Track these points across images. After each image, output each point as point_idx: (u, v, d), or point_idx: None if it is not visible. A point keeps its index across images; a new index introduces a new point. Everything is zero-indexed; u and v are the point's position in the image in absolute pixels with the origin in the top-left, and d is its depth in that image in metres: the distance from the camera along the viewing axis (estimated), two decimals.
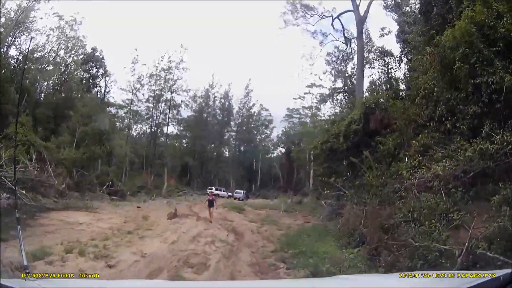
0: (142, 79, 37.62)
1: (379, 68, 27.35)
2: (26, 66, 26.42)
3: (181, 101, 40.99)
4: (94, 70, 32.60)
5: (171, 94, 39.10)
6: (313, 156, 20.80)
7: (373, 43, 28.76)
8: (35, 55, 28.23)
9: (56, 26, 29.88)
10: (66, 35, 30.63)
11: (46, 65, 29.51)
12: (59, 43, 30.37)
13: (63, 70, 30.92)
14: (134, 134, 41.44)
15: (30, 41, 29.84)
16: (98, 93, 33.23)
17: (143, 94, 38.31)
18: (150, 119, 39.59)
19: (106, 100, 34.24)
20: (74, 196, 20.45)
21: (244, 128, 48.65)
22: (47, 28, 29.19)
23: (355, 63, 30.05)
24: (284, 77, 71.71)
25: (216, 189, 38.37)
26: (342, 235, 9.89)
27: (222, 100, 48.25)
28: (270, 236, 12.26)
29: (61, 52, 30.55)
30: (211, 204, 17.15)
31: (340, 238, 9.91)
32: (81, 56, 31.04)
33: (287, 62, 78.98)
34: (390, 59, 26.90)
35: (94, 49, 32.68)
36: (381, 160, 12.37)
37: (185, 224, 14.65)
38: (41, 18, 28.19)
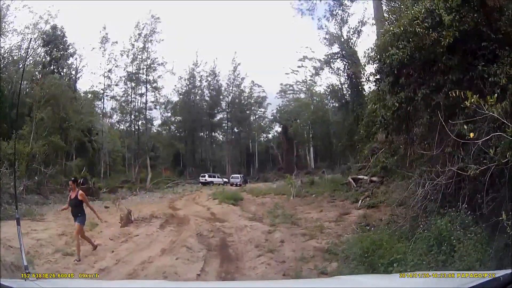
0: (117, 59, 33.28)
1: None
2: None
3: (158, 77, 36.73)
4: (55, 51, 28.13)
5: (146, 71, 34.73)
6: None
7: None
8: (12, 56, 25.99)
9: (31, 23, 27.03)
10: (43, 30, 27.99)
11: (24, 64, 27.03)
12: (36, 40, 27.53)
13: (41, 67, 27.85)
14: (124, 128, 37.53)
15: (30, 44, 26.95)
16: (62, 75, 28.97)
17: (119, 77, 34.10)
18: (130, 104, 35.27)
19: (77, 85, 30.42)
20: (33, 201, 16.77)
21: (236, 106, 44.60)
22: (23, 26, 26.52)
23: (351, 26, 28.29)
24: (275, 51, 67.02)
25: (210, 176, 35.03)
26: None
27: (209, 79, 44.06)
28: (300, 264, 6.54)
29: (39, 50, 27.99)
30: (76, 210, 7.74)
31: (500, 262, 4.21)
32: (37, 35, 26.84)
33: (278, 36, 74.03)
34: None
35: (53, 28, 28.18)
36: None
37: (137, 237, 9.50)
38: (15, 17, 25.70)
